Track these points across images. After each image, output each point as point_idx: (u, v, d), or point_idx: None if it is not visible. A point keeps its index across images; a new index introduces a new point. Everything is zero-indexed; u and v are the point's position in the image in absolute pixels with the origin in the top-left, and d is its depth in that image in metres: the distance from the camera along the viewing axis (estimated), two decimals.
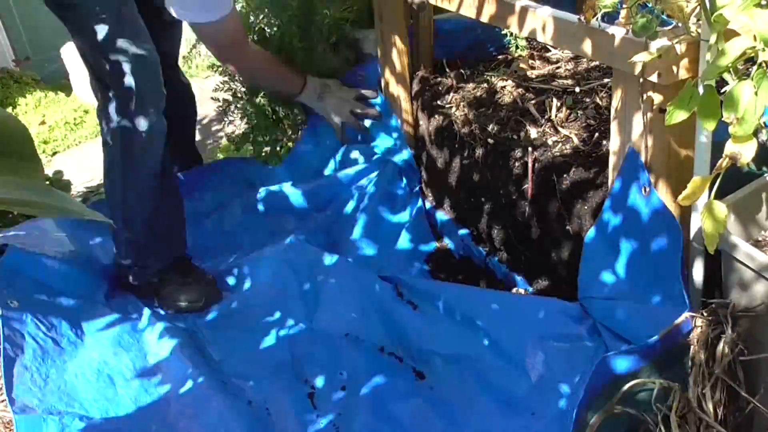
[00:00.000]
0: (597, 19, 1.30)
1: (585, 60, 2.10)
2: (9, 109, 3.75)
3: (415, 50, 2.29)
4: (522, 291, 1.84)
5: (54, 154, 3.41)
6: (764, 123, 1.01)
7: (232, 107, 2.50)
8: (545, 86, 2.00)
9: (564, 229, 1.70)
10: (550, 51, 2.22)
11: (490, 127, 1.90)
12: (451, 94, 2.13)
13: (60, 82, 3.98)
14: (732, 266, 1.24)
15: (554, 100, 1.90)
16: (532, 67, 2.15)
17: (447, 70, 2.23)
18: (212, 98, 2.50)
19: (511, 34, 2.16)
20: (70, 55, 3.74)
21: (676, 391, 1.23)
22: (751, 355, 1.24)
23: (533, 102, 1.93)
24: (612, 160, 1.47)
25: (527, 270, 1.88)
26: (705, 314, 1.28)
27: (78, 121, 3.62)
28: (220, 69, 2.49)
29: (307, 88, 2.29)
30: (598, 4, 1.23)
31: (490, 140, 1.88)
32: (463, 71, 2.23)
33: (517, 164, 1.79)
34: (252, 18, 2.37)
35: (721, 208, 1.04)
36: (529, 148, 1.76)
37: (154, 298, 1.94)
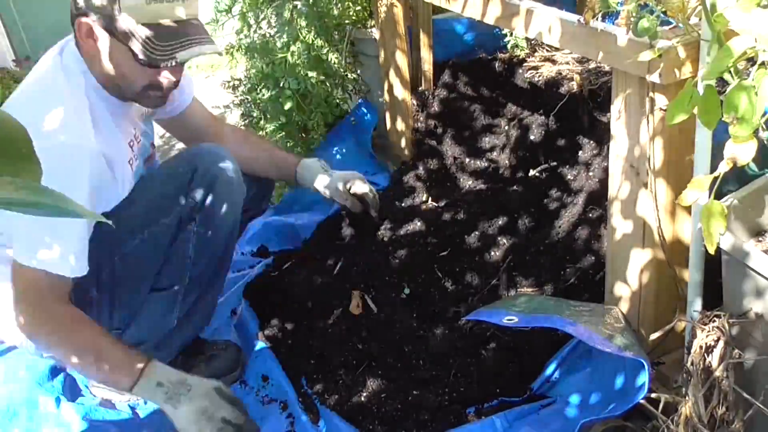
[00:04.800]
0: (597, 19, 1.30)
1: (587, 60, 2.10)
2: None
3: (415, 51, 2.29)
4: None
5: None
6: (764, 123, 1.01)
7: None
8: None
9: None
10: (550, 50, 2.22)
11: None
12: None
13: None
14: (744, 273, 1.22)
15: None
16: (536, 68, 2.15)
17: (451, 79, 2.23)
18: (213, 106, 2.49)
19: (511, 33, 2.16)
20: None
21: (682, 405, 1.23)
22: (750, 362, 1.24)
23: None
24: (613, 162, 1.46)
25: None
26: (703, 321, 1.28)
27: None
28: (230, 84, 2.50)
29: (300, 170, 1.96)
30: (597, 4, 1.23)
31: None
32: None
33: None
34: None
35: (720, 208, 1.04)
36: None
37: None
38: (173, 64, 1.47)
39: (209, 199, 1.62)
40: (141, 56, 1.45)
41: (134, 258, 1.61)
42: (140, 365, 1.49)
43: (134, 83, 1.52)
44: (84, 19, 1.45)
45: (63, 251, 1.45)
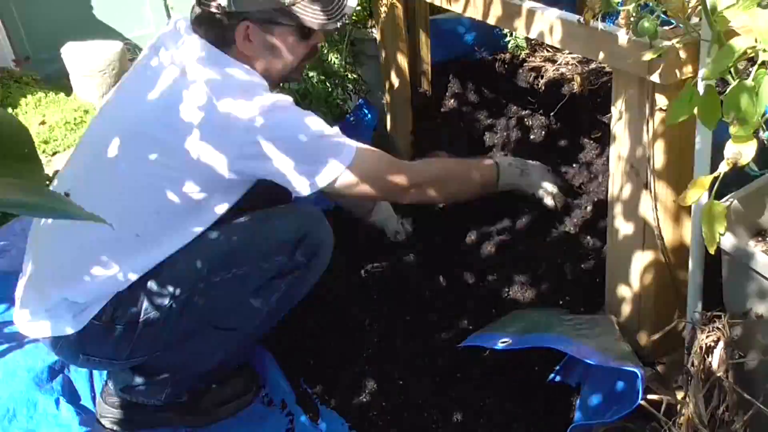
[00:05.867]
0: (597, 19, 1.30)
1: (588, 60, 2.10)
2: (9, 109, 3.74)
3: (414, 51, 2.29)
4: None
5: (54, 154, 3.40)
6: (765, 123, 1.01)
7: None
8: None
9: None
10: (551, 51, 2.22)
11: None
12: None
13: (60, 82, 3.97)
14: (745, 274, 1.22)
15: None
16: (537, 69, 2.15)
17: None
18: None
19: (512, 34, 2.16)
20: (70, 55, 3.73)
21: (682, 407, 1.23)
22: (750, 362, 1.24)
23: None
24: (614, 162, 1.46)
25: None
26: (703, 322, 1.28)
27: (78, 121, 3.61)
28: None
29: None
30: (598, 4, 1.22)
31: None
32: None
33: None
34: None
35: (721, 208, 1.04)
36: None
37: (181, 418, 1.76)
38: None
39: (309, 264, 1.66)
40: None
41: (217, 290, 1.59)
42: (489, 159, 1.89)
43: (294, 60, 1.62)
44: (242, 24, 1.51)
45: (337, 136, 1.57)
